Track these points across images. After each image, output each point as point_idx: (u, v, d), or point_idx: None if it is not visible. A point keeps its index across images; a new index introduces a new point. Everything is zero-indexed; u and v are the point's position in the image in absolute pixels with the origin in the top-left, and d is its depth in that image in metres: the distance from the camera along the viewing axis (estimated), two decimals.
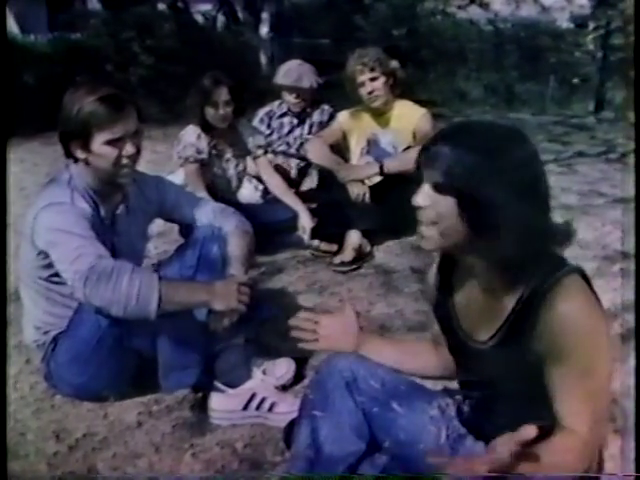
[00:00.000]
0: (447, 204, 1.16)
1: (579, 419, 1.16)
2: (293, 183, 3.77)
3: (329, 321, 1.49)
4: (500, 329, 1.25)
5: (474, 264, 1.26)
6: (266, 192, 3.57)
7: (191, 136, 3.17)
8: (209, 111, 3.11)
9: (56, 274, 1.83)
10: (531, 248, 1.18)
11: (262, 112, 3.91)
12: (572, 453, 1.14)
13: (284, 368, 2.13)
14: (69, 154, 1.88)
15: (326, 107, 3.89)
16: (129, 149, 1.85)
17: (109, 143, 1.82)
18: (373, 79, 3.21)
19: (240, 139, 3.30)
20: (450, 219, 1.16)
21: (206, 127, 3.16)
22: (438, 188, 1.16)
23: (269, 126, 3.88)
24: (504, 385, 1.27)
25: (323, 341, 1.47)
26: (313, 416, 1.42)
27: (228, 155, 3.30)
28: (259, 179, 3.55)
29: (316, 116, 3.86)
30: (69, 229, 1.77)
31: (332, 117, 3.72)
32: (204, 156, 3.18)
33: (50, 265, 1.83)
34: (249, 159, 3.40)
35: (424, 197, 1.18)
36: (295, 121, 3.87)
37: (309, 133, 3.83)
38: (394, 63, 3.34)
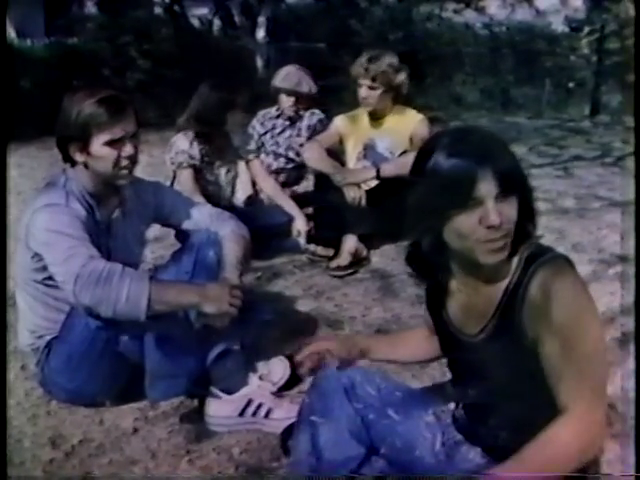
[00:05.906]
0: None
1: (574, 396, 1.14)
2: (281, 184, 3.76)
3: None
4: (490, 321, 1.25)
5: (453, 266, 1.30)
6: (250, 198, 3.55)
7: (183, 143, 3.18)
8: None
9: (50, 277, 1.82)
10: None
11: (259, 115, 3.92)
12: (569, 435, 1.12)
13: (280, 371, 2.12)
14: (67, 158, 1.88)
15: (316, 111, 3.90)
16: (128, 149, 1.85)
17: (108, 144, 1.82)
18: (371, 88, 3.20)
19: (230, 144, 3.30)
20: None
21: (198, 133, 3.17)
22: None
23: (263, 125, 3.89)
24: (499, 381, 1.26)
25: None
26: (312, 422, 1.41)
27: (219, 161, 3.30)
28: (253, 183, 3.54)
29: (306, 119, 3.86)
30: (62, 230, 1.76)
31: (321, 121, 3.77)
32: (197, 162, 3.18)
33: (44, 268, 1.82)
34: (242, 163, 3.40)
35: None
36: (287, 123, 3.88)
37: (297, 135, 3.84)
38: (401, 77, 3.25)
